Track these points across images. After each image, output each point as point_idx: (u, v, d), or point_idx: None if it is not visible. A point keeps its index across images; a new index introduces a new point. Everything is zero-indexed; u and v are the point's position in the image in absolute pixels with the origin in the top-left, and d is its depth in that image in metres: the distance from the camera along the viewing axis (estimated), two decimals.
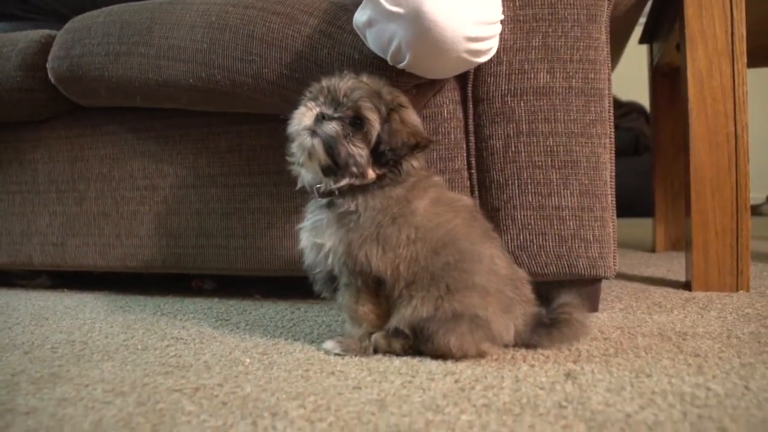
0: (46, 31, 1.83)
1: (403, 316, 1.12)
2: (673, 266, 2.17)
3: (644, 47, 2.78)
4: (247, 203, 1.68)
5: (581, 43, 1.43)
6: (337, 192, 1.14)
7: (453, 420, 0.83)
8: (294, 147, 1.17)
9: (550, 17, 1.42)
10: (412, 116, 1.18)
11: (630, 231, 3.47)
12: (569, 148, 1.43)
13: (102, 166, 1.84)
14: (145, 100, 1.68)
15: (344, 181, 1.13)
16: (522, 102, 1.43)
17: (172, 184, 1.76)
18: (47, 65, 1.73)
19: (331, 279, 1.19)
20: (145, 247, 1.80)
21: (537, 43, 1.42)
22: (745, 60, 1.65)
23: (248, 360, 1.14)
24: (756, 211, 4.89)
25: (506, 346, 1.16)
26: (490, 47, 1.31)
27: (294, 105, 1.49)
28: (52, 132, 1.90)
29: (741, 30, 1.65)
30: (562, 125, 1.43)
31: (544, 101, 1.43)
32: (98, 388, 1.01)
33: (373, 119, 1.12)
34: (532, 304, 1.18)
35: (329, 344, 1.19)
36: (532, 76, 1.42)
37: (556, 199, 1.43)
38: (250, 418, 0.85)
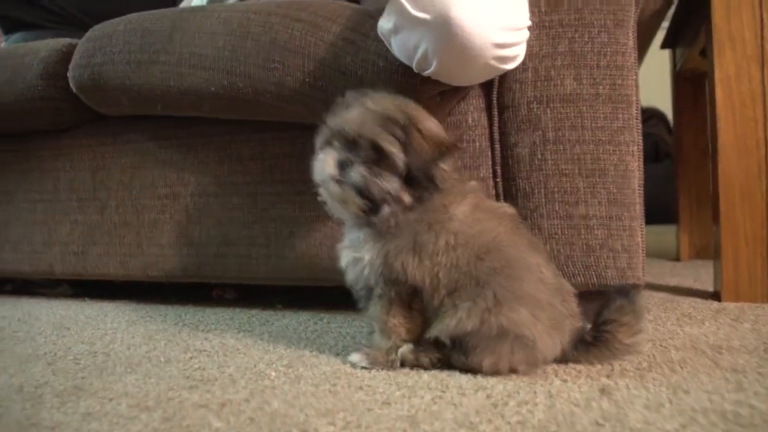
0: (68, 40, 1.83)
1: (446, 327, 1.08)
2: (700, 275, 2.13)
3: (664, 52, 2.75)
4: (270, 212, 1.67)
5: (608, 49, 1.41)
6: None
7: None
8: (323, 195, 1.16)
9: (576, 23, 1.40)
10: (429, 125, 1.14)
11: (651, 238, 3.41)
12: (596, 156, 1.40)
13: (123, 175, 1.83)
14: (167, 108, 1.67)
15: (385, 212, 1.10)
16: (548, 109, 1.41)
17: (194, 193, 1.75)
18: (68, 74, 1.72)
19: (371, 293, 1.17)
20: (166, 256, 1.79)
21: (563, 49, 1.40)
22: None
23: (274, 373, 1.13)
24: None
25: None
26: (517, 54, 1.29)
27: (317, 113, 1.48)
28: (74, 141, 1.90)
29: None
30: (590, 132, 1.40)
31: (571, 108, 1.40)
32: (123, 402, 0.99)
33: (395, 151, 1.08)
34: (578, 318, 1.13)
35: (356, 357, 1.17)
36: (559, 82, 1.39)
37: (584, 208, 1.40)
38: None
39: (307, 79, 1.44)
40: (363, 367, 1.14)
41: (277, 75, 1.47)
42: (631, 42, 1.43)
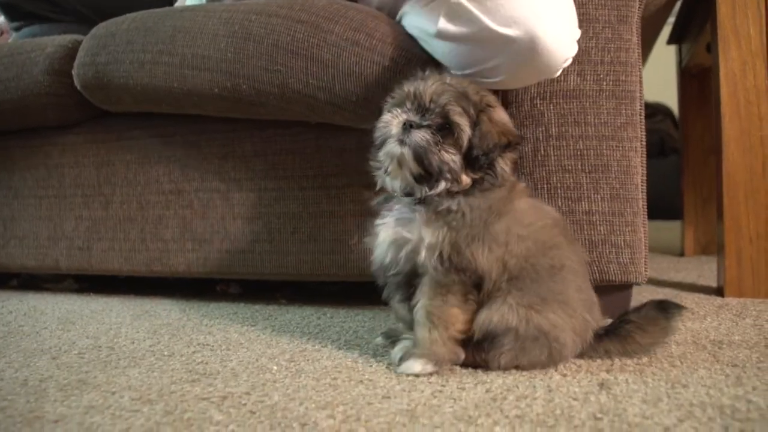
0: (74, 36, 1.84)
1: (488, 320, 1.06)
2: (704, 271, 2.13)
3: (670, 48, 2.75)
4: (273, 207, 1.67)
5: (612, 45, 1.41)
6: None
7: None
8: (381, 155, 1.11)
9: (581, 18, 1.39)
10: (501, 115, 1.13)
11: (656, 234, 3.42)
12: (600, 151, 1.40)
13: (128, 171, 1.85)
14: (171, 108, 1.68)
15: (441, 187, 1.07)
16: (551, 105, 1.41)
17: (197, 189, 1.76)
18: (73, 72, 1.73)
19: (410, 281, 1.12)
20: (170, 252, 1.80)
21: None
22: None
23: (275, 367, 1.13)
24: None
25: None
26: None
27: (320, 114, 1.49)
28: (79, 137, 1.91)
29: None
30: (593, 128, 1.40)
31: (574, 104, 1.41)
32: (125, 395, 1.00)
33: (463, 124, 1.06)
34: (598, 326, 1.13)
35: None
36: (562, 78, 1.40)
37: (587, 203, 1.40)
38: (279, 428, 0.84)
39: (310, 81, 1.45)
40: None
41: (280, 77, 1.47)
42: (635, 38, 1.43)
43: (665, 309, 1.13)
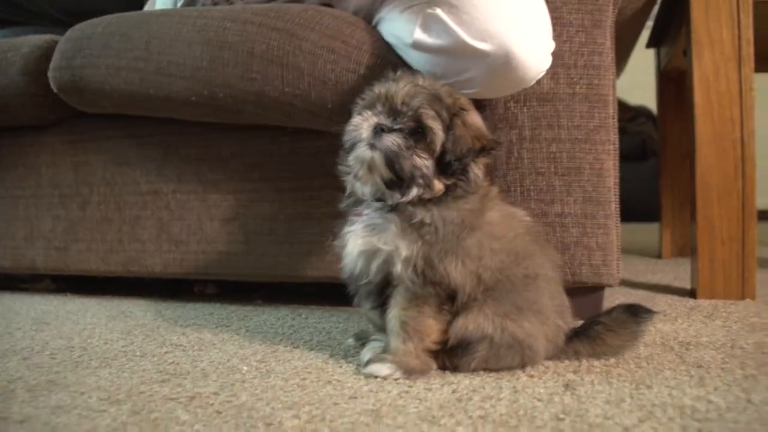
0: (50, 37, 1.83)
1: (462, 327, 1.06)
2: (680, 273, 2.15)
3: (651, 51, 2.76)
4: (249, 209, 1.68)
5: (586, 49, 1.42)
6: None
7: None
8: (351, 159, 1.09)
9: (554, 22, 1.39)
10: (475, 118, 1.12)
11: (637, 237, 3.44)
12: (572, 154, 1.42)
13: (105, 171, 1.84)
14: (148, 112, 1.68)
15: (412, 194, 1.06)
16: (525, 108, 1.42)
17: (175, 190, 1.76)
18: (49, 74, 1.72)
19: (381, 290, 1.11)
20: (147, 252, 1.80)
21: None
22: (753, 65, 1.64)
23: (246, 368, 1.14)
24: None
25: None
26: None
27: (297, 120, 1.49)
28: (56, 137, 1.90)
29: (748, 34, 1.64)
30: (566, 131, 1.42)
31: (548, 107, 1.42)
32: (94, 396, 1.00)
33: (437, 128, 1.05)
34: (569, 329, 1.14)
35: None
36: (536, 81, 1.40)
37: (560, 206, 1.42)
38: (244, 428, 0.85)
39: (286, 89, 1.45)
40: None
41: (256, 85, 1.47)
42: (609, 42, 1.44)
43: (636, 313, 1.14)
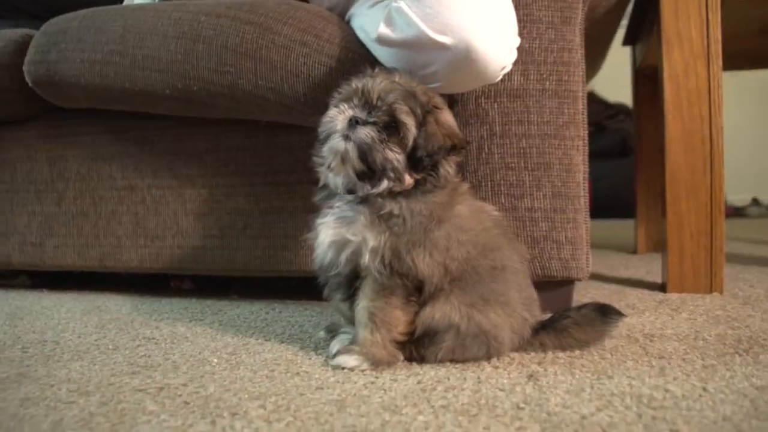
0: (25, 31, 1.83)
1: (429, 317, 1.08)
2: (653, 268, 2.18)
3: (629, 49, 2.79)
4: (224, 204, 1.69)
5: (555, 46, 1.44)
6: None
7: (409, 421, 0.83)
8: (325, 150, 1.12)
9: (524, 18, 1.42)
10: (447, 117, 1.15)
11: (615, 232, 3.48)
12: (542, 150, 1.43)
13: (81, 166, 1.84)
14: (124, 106, 1.69)
15: (383, 186, 1.08)
16: (496, 104, 1.44)
17: (150, 185, 1.76)
18: (24, 68, 1.71)
19: (351, 281, 1.12)
20: (123, 247, 1.80)
21: None
22: (721, 63, 1.66)
23: (216, 360, 1.15)
24: (742, 212, 4.91)
25: None
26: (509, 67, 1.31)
27: (270, 113, 1.50)
28: (32, 132, 1.90)
29: (716, 33, 1.66)
30: (536, 127, 1.44)
31: (518, 103, 1.44)
32: (63, 388, 1.01)
33: (410, 123, 1.07)
34: (536, 322, 1.16)
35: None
36: (506, 77, 1.42)
37: (529, 200, 1.44)
38: (210, 418, 0.86)
39: (260, 82, 1.46)
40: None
41: (229, 78, 1.48)
42: (578, 39, 1.46)
43: (605, 313, 1.17)
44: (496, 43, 1.19)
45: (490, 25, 1.18)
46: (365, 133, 1.07)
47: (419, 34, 1.19)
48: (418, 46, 1.21)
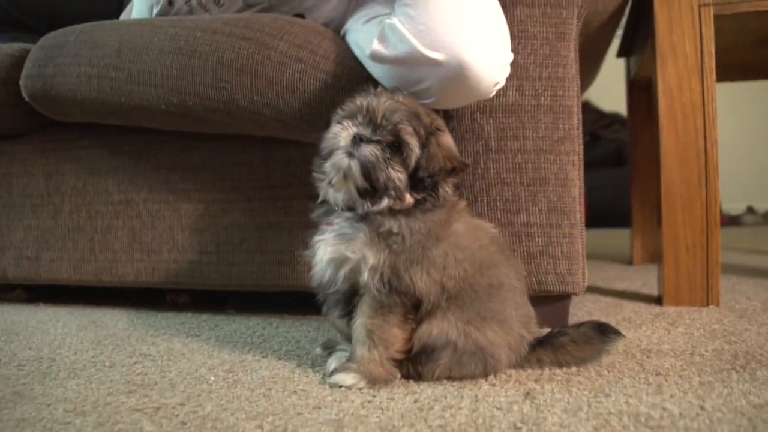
0: (21, 45, 1.83)
1: (426, 333, 1.08)
2: (649, 280, 2.18)
3: (623, 60, 2.80)
4: (220, 218, 1.69)
5: (550, 61, 1.45)
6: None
7: None
8: (327, 166, 1.12)
9: (519, 35, 1.43)
10: (448, 140, 1.16)
11: (611, 242, 3.49)
12: (537, 165, 1.44)
13: (77, 180, 1.84)
14: (120, 120, 1.69)
15: (383, 204, 1.09)
16: (491, 119, 1.45)
17: (146, 199, 1.76)
18: (20, 82, 1.72)
19: (349, 298, 1.12)
20: (119, 262, 1.80)
21: None
22: (714, 77, 1.67)
23: (213, 378, 1.15)
24: (737, 221, 4.93)
25: None
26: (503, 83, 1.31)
27: (266, 129, 1.51)
28: (28, 146, 1.90)
29: (710, 47, 1.67)
30: (531, 142, 1.44)
31: (513, 118, 1.44)
32: (60, 407, 1.01)
33: (413, 144, 1.08)
34: (533, 338, 1.16)
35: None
36: (501, 93, 1.42)
37: (525, 215, 1.44)
38: None
39: (255, 98, 1.46)
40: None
41: (225, 94, 1.48)
42: (573, 54, 1.47)
43: (604, 332, 1.17)
44: (488, 59, 1.19)
45: (482, 42, 1.18)
46: (369, 150, 1.07)
47: (412, 50, 1.20)
48: (410, 62, 1.21)
